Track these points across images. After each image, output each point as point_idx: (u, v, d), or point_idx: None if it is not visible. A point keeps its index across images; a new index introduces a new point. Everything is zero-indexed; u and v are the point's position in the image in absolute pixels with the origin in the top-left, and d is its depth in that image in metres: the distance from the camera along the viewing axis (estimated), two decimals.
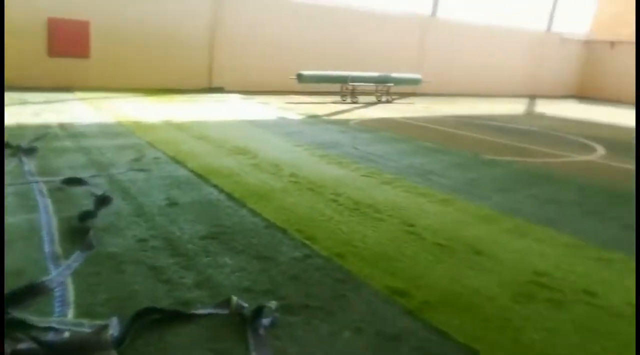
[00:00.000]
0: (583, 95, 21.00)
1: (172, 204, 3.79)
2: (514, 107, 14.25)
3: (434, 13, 16.66)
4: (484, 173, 5.44)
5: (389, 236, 3.36)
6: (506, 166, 5.95)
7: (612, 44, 20.80)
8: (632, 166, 6.47)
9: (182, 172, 4.71)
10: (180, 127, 7.13)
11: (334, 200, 4.08)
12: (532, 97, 18.94)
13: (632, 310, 2.50)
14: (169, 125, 7.24)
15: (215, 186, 4.30)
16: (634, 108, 16.65)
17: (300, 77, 11.76)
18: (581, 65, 21.72)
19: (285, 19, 13.62)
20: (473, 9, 18.04)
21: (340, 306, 2.42)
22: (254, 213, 3.69)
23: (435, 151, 6.56)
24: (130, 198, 3.87)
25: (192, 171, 4.73)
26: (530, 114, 12.99)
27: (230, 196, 4.05)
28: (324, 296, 2.51)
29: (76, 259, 2.77)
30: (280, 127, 7.80)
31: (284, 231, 3.36)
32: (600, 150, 7.50)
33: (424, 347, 2.13)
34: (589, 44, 21.55)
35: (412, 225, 3.59)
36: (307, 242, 3.19)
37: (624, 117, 13.36)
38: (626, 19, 20.34)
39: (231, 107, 9.81)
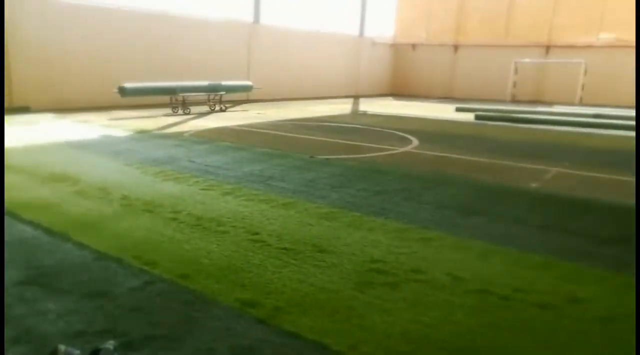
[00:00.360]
0: (397, 93, 23.68)
1: None
2: (341, 108, 15.37)
3: (256, 20, 17.04)
4: (320, 173, 5.74)
5: (235, 248, 3.32)
6: (339, 164, 6.37)
7: (414, 46, 23.85)
8: (439, 153, 7.49)
9: None
10: None
11: (174, 219, 3.88)
12: (356, 97, 20.69)
13: (450, 280, 2.88)
14: None
15: (29, 222, 3.73)
16: (439, 102, 19.38)
17: (123, 91, 10.90)
18: (391, 66, 24.44)
19: (100, 27, 12.50)
20: (294, 16, 18.96)
21: (189, 330, 2.30)
22: (81, 246, 3.30)
23: (274, 156, 6.70)
24: None
25: None
26: (355, 113, 14.14)
27: (49, 231, 3.56)
28: (170, 323, 2.36)
29: None
30: (105, 146, 7.14)
31: (119, 260, 3.07)
32: (415, 141, 8.52)
33: (278, 353, 2.15)
34: (395, 47, 24.36)
35: (256, 233, 3.60)
36: (146, 268, 2.97)
37: (430, 110, 15.43)
38: (421, 24, 23.57)
39: (42, 129, 8.65)
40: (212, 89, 12.73)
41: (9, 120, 9.53)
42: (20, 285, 2.73)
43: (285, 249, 3.33)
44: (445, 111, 15.04)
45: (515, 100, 20.48)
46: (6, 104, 10.91)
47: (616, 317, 2.50)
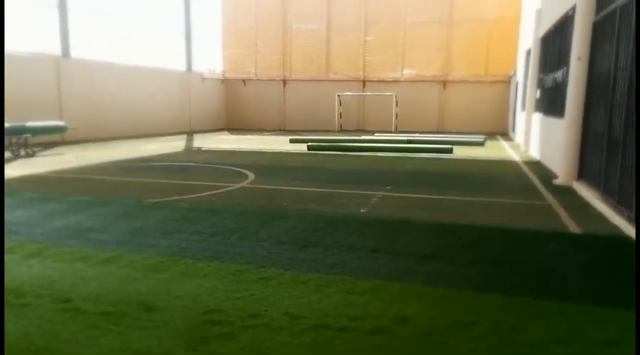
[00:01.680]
0: (231, 127, 23.74)
1: None
2: (173, 145, 14.72)
3: (66, 53, 15.48)
4: (149, 219, 5.28)
5: (38, 323, 2.77)
6: (171, 207, 5.97)
7: (244, 81, 24.34)
8: (275, 186, 7.59)
9: None
10: None
11: None
12: (189, 133, 20.10)
13: (288, 319, 2.81)
14: None
15: None
16: (274, 134, 19.92)
17: None
18: (224, 101, 24.50)
19: None
20: (112, 49, 17.77)
21: None
22: None
23: (94, 204, 5.98)
24: None
25: None
26: (189, 150, 13.67)
27: None
28: None
29: None
30: None
31: None
32: (251, 176, 8.52)
33: None
34: (226, 82, 24.54)
35: (68, 300, 3.08)
36: None
37: (265, 143, 15.74)
38: (250, 60, 24.24)
39: None
40: (13, 132, 11.03)
41: None
42: None
43: (104, 313, 2.90)
44: (279, 143, 15.51)
45: (342, 130, 22.22)
46: None
47: (438, 331, 2.71)
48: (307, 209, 5.92)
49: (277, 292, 3.24)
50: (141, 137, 17.31)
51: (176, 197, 6.57)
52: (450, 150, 12.53)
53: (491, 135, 18.81)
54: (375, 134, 17.94)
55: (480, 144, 14.97)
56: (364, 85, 23.14)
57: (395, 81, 22.60)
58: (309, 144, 13.76)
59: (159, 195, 6.64)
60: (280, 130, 22.87)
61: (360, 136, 16.65)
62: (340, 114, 22.71)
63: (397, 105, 21.66)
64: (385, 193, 7.01)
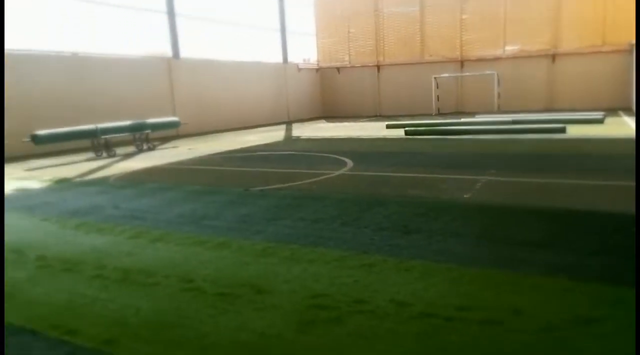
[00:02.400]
0: (328, 115, 24.06)
1: None
2: (274, 135, 15.31)
3: (176, 55, 16.73)
4: (255, 206, 5.57)
5: (167, 300, 3.08)
6: (275, 195, 6.24)
7: (338, 69, 24.47)
8: (374, 173, 7.57)
9: None
10: None
11: (98, 276, 3.57)
12: (288, 123, 20.76)
13: (394, 306, 2.81)
14: None
15: None
16: (370, 121, 19.87)
17: (36, 138, 10.20)
18: (320, 90, 24.88)
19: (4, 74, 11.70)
20: (215, 47, 18.88)
21: None
22: None
23: (206, 193, 6.46)
24: None
25: None
26: (288, 139, 14.13)
27: None
28: None
29: None
30: (19, 201, 6.56)
31: (34, 333, 2.74)
32: (350, 163, 8.59)
33: None
34: (320, 71, 24.87)
35: (190, 281, 3.38)
36: (66, 337, 2.66)
37: (361, 129, 15.75)
38: (343, 48, 24.29)
39: None
40: (137, 128, 12.23)
41: None
42: None
43: (221, 294, 3.13)
44: (376, 129, 15.41)
45: (440, 113, 21.44)
46: None
47: (558, 325, 2.53)
48: (407, 195, 5.84)
49: (381, 279, 3.26)
50: (243, 129, 18.24)
51: (279, 185, 6.84)
52: (563, 130, 11.52)
53: (611, 111, 16.93)
54: (476, 116, 17.06)
55: (599, 121, 13.55)
56: (462, 66, 22.06)
57: (496, 59, 21.23)
58: (406, 128, 13.50)
59: (263, 184, 6.96)
60: (376, 116, 22.70)
61: (460, 119, 15.95)
62: (438, 96, 21.91)
63: (499, 84, 20.38)
64: (489, 177, 6.67)
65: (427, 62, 22.43)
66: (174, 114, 15.42)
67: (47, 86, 12.61)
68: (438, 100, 21.94)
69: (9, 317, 2.95)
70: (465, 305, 2.79)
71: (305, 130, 16.70)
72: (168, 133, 14.82)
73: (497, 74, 20.37)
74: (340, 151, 10.21)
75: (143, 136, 12.34)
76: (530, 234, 4.09)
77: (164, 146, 13.09)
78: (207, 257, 3.87)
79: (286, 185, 6.86)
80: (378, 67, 23.64)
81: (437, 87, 21.86)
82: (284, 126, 19.27)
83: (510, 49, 21.20)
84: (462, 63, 22.05)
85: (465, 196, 5.66)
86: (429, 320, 2.64)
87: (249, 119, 19.57)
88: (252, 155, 10.62)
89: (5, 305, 3.14)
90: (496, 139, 11.20)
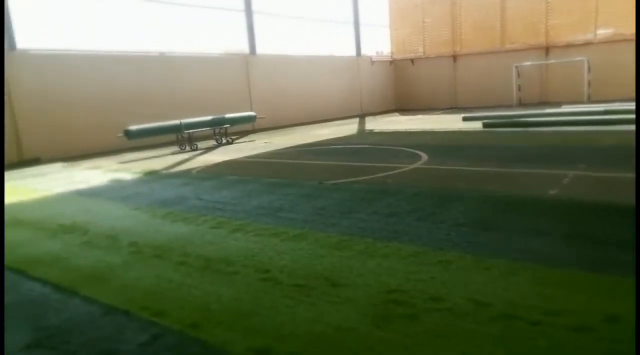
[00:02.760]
0: (402, 108, 23.66)
1: None
2: (347, 128, 15.33)
3: (252, 51, 17.24)
4: (329, 199, 5.63)
5: (245, 289, 3.20)
6: (349, 188, 6.25)
7: (412, 60, 23.93)
8: (450, 167, 7.34)
9: None
10: None
11: (183, 263, 3.79)
12: (361, 116, 20.69)
13: (473, 306, 2.72)
14: None
15: (38, 279, 3.67)
16: (445, 113, 19.28)
17: (129, 133, 11.02)
18: (393, 82, 24.50)
19: (97, 73, 12.73)
20: (289, 42, 19.23)
21: None
22: (89, 300, 3.21)
23: (282, 186, 6.62)
24: None
25: (6, 268, 3.98)
26: (361, 133, 14.09)
27: (57, 287, 3.49)
28: None
29: None
30: (113, 191, 7.13)
31: (127, 313, 2.97)
32: (424, 157, 8.39)
33: None
34: (394, 63, 24.46)
35: (267, 271, 3.48)
36: (155, 319, 2.86)
37: (436, 122, 15.31)
38: (417, 39, 23.71)
39: (52, 179, 8.70)
40: (217, 123, 12.81)
41: (20, 174, 9.64)
42: (27, 349, 2.63)
43: (297, 285, 3.20)
44: (452, 122, 14.92)
45: (522, 104, 20.29)
46: (16, 158, 11.10)
47: None
48: (485, 190, 5.60)
49: (459, 277, 3.16)
50: (316, 123, 18.45)
51: (352, 179, 6.85)
52: None
53: None
54: (562, 106, 15.93)
55: None
56: (546, 52, 20.65)
57: (586, 44, 19.62)
58: (485, 121, 12.93)
59: (337, 177, 7.01)
60: (452, 109, 21.96)
61: (544, 109, 14.98)
62: (519, 86, 20.71)
63: (589, 71, 18.85)
64: (578, 172, 6.21)
65: (507, 50, 21.25)
66: (250, 109, 15.94)
67: (138, 84, 13.54)
68: (519, 90, 20.75)
69: (106, 298, 3.22)
70: (552, 308, 2.62)
71: (379, 124, 16.54)
72: (245, 127, 15.36)
73: (587, 61, 18.84)
74: (415, 144, 10.01)
75: (222, 130, 12.89)
76: (625, 234, 3.76)
77: (241, 140, 13.59)
78: (284, 248, 3.97)
79: (360, 178, 6.85)
80: (454, 57, 22.81)
81: (519, 77, 20.67)
82: (356, 119, 19.23)
83: (603, 32, 19.48)
84: (547, 49, 20.65)
85: (550, 192, 5.31)
86: (512, 322, 2.51)
87: (322, 113, 19.75)
88: (325, 148, 10.72)
89: (102, 287, 3.44)
90: (586, 131, 10.40)
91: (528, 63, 20.53)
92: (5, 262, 4.09)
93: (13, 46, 11.26)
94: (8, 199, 6.95)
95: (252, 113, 14.73)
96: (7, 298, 3.36)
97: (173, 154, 11.32)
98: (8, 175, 9.53)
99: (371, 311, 2.76)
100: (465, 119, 14.94)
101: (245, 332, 2.63)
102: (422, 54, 23.76)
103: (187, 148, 11.83)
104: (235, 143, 12.86)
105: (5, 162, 10.77)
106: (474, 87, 22.26)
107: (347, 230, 4.35)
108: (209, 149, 11.82)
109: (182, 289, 3.30)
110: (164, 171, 8.79)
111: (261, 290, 3.17)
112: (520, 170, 6.64)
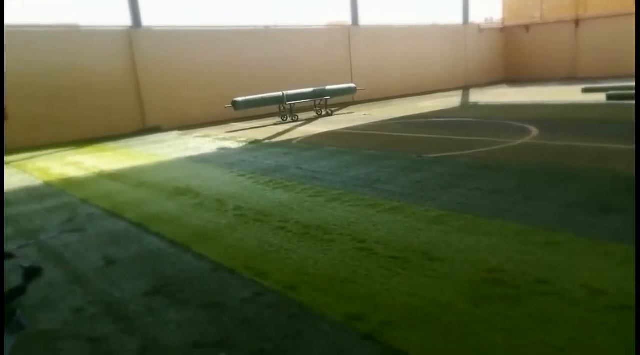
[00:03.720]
0: (511, 79, 22.01)
1: (110, 262, 3.54)
2: (449, 101, 14.68)
3: (355, 22, 17.01)
4: (428, 173, 5.47)
5: (341, 257, 3.26)
6: (449, 162, 6.02)
7: (527, 27, 21.98)
8: (564, 142, 6.73)
9: (119, 225, 4.45)
10: (115, 176, 6.80)
11: (282, 228, 3.96)
12: (465, 88, 19.64)
13: (586, 293, 2.50)
14: (102, 176, 6.89)
15: (156, 234, 4.07)
16: (562, 85, 17.60)
17: (236, 104, 11.61)
18: (502, 51, 22.78)
19: (209, 47, 13.47)
20: (391, 12, 18.66)
21: (296, 344, 2.28)
22: (200, 257, 3.50)
23: (380, 158, 6.57)
24: (63, 264, 3.59)
25: (130, 222, 4.47)
26: (465, 105, 13.40)
27: (173, 243, 3.84)
28: (278, 337, 2.37)
29: (5, 343, 2.50)
30: (221, 158, 7.61)
31: (232, 271, 3.19)
32: (534, 131, 7.77)
33: None
34: (505, 30, 22.67)
35: (363, 241, 3.51)
36: (256, 279, 3.04)
37: (551, 94, 14.04)
38: (533, 3, 21.65)
39: (169, 146, 9.50)
40: (318, 95, 12.97)
41: (144, 140, 10.68)
42: (148, 295, 2.95)
43: (392, 257, 3.18)
44: (569, 94, 13.59)
45: None
46: (140, 125, 12.31)
47: None
48: (607, 169, 5.04)
49: (570, 260, 2.91)
50: (418, 95, 17.88)
51: (454, 153, 6.57)
52: None
53: None
54: None
55: None
56: None
57: None
58: (609, 93, 11.57)
59: (437, 151, 6.77)
60: (570, 79, 19.95)
61: None
62: None
63: None
64: None
65: None
66: (351, 81, 15.88)
67: (244, 58, 14.12)
68: None
69: (214, 255, 3.49)
70: None
71: (484, 96, 15.60)
72: (345, 99, 15.36)
73: None
74: (524, 118, 9.29)
75: (322, 102, 13.04)
76: None
77: (340, 112, 13.65)
78: (380, 220, 3.96)
79: (462, 152, 6.56)
80: (577, 21, 20.53)
81: None
82: (460, 92, 18.31)
83: None
84: None
85: None
86: (631, 314, 2.27)
87: (424, 85, 19.07)
88: (426, 121, 10.39)
89: (210, 245, 3.72)
90: None
91: None
92: (130, 218, 4.59)
93: (139, 24, 12.30)
94: (133, 162, 7.75)
95: (352, 85, 14.67)
96: (131, 249, 3.79)
97: (275, 124, 11.74)
98: (133, 141, 10.62)
99: (469, 289, 2.66)
100: (585, 91, 13.50)
101: (340, 297, 2.69)
102: (538, 19, 21.70)
103: (289, 119, 12.18)
104: (335, 115, 12.97)
105: (131, 130, 12.00)
106: (598, 55, 19.93)
107: (446, 205, 4.21)
108: (309, 120, 12.06)
109: (281, 252, 3.45)
110: (267, 141, 9.16)
111: (357, 259, 3.21)
112: None
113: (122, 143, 10.40)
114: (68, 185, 6.42)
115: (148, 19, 12.47)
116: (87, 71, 11.46)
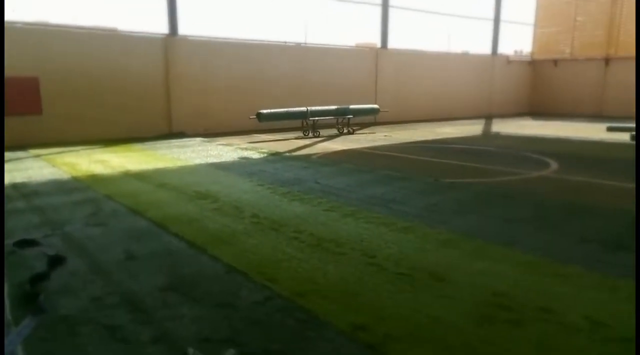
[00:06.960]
0: (536, 112, 21.94)
1: (131, 257, 3.69)
2: (471, 129, 14.72)
3: (384, 44, 17.27)
4: (444, 197, 5.55)
5: (351, 270, 3.36)
6: (466, 188, 6.08)
7: (555, 61, 21.98)
8: (583, 178, 6.73)
9: (141, 223, 4.62)
10: (140, 176, 7.03)
11: (296, 238, 4.07)
12: (488, 118, 19.64)
13: (588, 323, 2.55)
14: (127, 175, 7.12)
15: (175, 235, 4.22)
16: (587, 121, 17.49)
17: (260, 116, 11.87)
18: (529, 84, 22.79)
19: (240, 59, 13.83)
20: (421, 38, 18.89)
21: (301, 348, 2.38)
22: (215, 259, 3.63)
23: (397, 179, 6.66)
24: (86, 255, 3.75)
25: (151, 221, 4.64)
26: (486, 134, 13.43)
27: (191, 244, 3.98)
28: (285, 339, 2.46)
29: (27, 325, 2.65)
30: (242, 167, 7.80)
31: (245, 275, 3.31)
32: (554, 165, 7.78)
33: None
34: (533, 64, 22.70)
35: (373, 257, 3.60)
36: (268, 283, 3.15)
37: (575, 130, 13.98)
38: (565, 38, 21.68)
39: (192, 152, 9.76)
40: (341, 113, 13.17)
41: (169, 143, 10.98)
42: (164, 290, 3.08)
43: (401, 274, 3.27)
44: (593, 131, 13.51)
45: None
46: (167, 129, 12.65)
47: None
48: (623, 208, 5.05)
49: (576, 292, 2.96)
50: (440, 121, 17.96)
51: (471, 180, 6.63)
52: None
53: None
54: None
55: None
56: None
57: None
58: (633, 133, 11.49)
59: (454, 176, 6.84)
60: (595, 117, 19.80)
61: None
62: None
63: None
64: None
65: None
66: (374, 102, 16.07)
67: (272, 73, 14.45)
68: None
69: (229, 259, 3.61)
70: None
71: (507, 127, 15.59)
72: (367, 119, 15.54)
73: None
74: (545, 152, 9.30)
75: (345, 120, 13.22)
76: None
77: (362, 131, 13.81)
78: (392, 238, 4.04)
79: (478, 180, 6.61)
80: (607, 60, 20.47)
81: None
82: (482, 121, 18.32)
83: None
84: None
85: None
86: (632, 346, 2.31)
87: (447, 111, 19.16)
88: (446, 147, 10.45)
89: (226, 249, 3.85)
90: None
91: None
92: (152, 217, 4.77)
93: (175, 32, 12.74)
94: (157, 164, 7.99)
95: (375, 106, 14.85)
96: (151, 246, 3.94)
97: (297, 138, 11.94)
98: (159, 144, 10.92)
99: (474, 310, 2.73)
100: (610, 129, 13.42)
101: (347, 308, 2.79)
102: (568, 55, 21.71)
103: (310, 134, 12.38)
104: (356, 134, 13.12)
105: (157, 133, 12.34)
106: (625, 95, 19.77)
107: (457, 229, 4.28)
108: (330, 137, 12.23)
109: (293, 261, 3.56)
110: (287, 153, 9.34)
111: (366, 273, 3.30)
112: None
113: (148, 145, 10.71)
114: (94, 181, 6.67)
115: (184, 28, 12.93)
116: (121, 74, 11.89)
